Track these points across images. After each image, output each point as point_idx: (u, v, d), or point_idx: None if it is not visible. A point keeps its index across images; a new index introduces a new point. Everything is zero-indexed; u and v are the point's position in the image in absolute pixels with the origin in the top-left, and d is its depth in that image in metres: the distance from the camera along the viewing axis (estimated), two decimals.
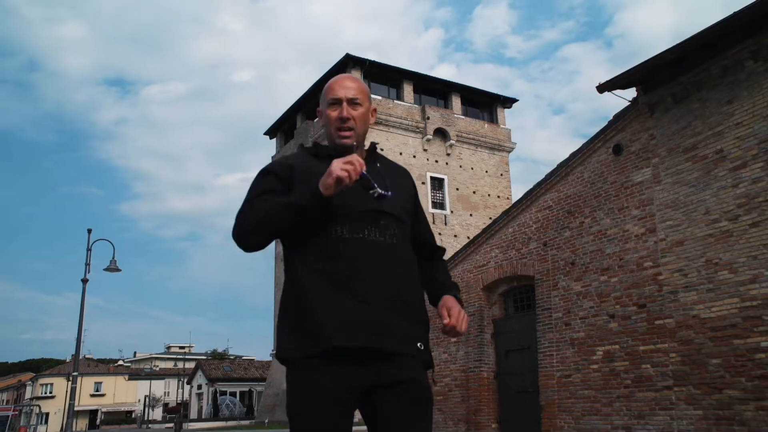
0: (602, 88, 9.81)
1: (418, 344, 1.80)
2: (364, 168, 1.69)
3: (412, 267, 1.90)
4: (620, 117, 10.28)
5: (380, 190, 1.76)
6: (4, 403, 72.85)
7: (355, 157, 1.68)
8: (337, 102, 1.91)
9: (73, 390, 14.04)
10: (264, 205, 1.76)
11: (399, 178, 1.99)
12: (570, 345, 10.63)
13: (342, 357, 1.68)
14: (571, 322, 10.68)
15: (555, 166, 11.46)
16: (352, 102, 1.92)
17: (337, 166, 1.66)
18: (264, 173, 1.90)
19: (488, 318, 12.88)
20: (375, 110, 2.03)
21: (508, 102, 35.52)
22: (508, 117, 35.85)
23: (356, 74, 30.42)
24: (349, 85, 1.95)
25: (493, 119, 34.96)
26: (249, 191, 1.86)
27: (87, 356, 69.31)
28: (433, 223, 30.71)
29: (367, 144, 1.98)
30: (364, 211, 1.81)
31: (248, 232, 1.77)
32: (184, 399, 55.01)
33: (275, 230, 1.77)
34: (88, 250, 15.04)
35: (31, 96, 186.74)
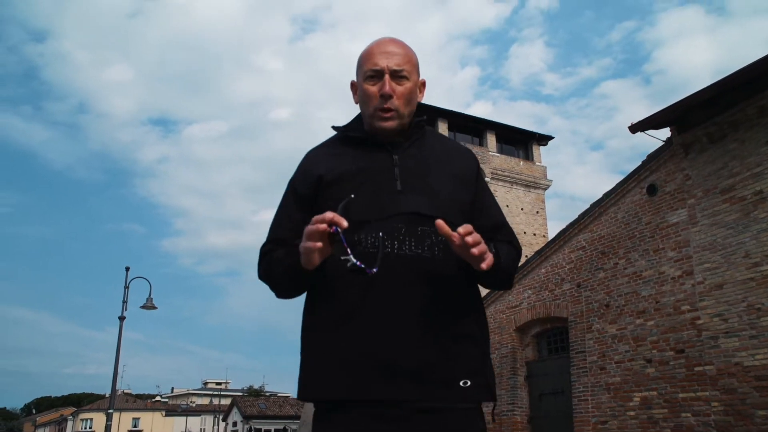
0: (635, 128, 9.71)
1: (461, 382, 1.40)
2: (343, 224, 1.30)
3: (462, 284, 1.49)
4: (654, 157, 10.13)
5: (355, 260, 1.34)
6: None
7: (321, 219, 1.31)
8: (377, 74, 1.51)
9: (108, 427, 14.20)
10: (271, 266, 1.53)
11: (449, 163, 1.58)
12: (606, 390, 10.30)
13: (354, 408, 1.37)
14: (606, 366, 10.37)
15: (593, 202, 11.31)
16: (397, 74, 1.52)
17: (303, 238, 1.35)
18: (287, 188, 1.62)
19: (521, 360, 12.61)
20: (424, 83, 1.63)
21: (543, 139, 35.41)
22: (544, 154, 35.68)
23: None
24: (394, 50, 1.53)
25: (528, 156, 34.85)
26: (273, 218, 1.62)
27: (126, 391, 70.17)
28: None
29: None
30: (395, 216, 1.44)
31: (273, 289, 1.57)
32: None
33: (296, 291, 1.54)
34: (126, 287, 15.39)
35: (80, 137, 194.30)
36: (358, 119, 1.64)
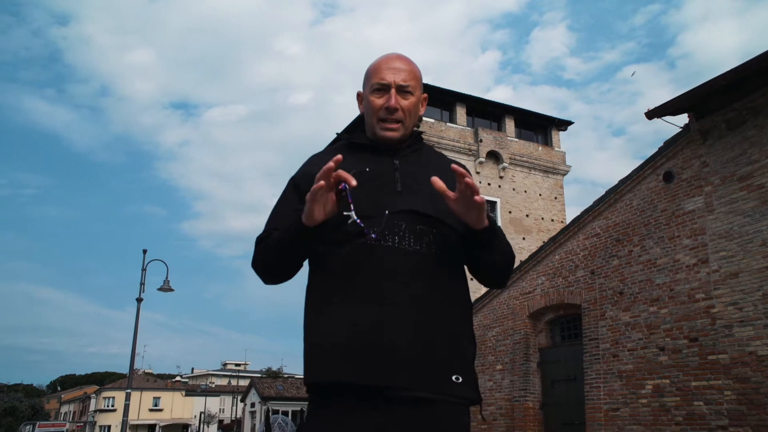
0: (651, 114, 9.56)
1: (454, 377, 1.45)
2: (351, 182, 1.35)
3: (456, 283, 1.54)
4: (671, 143, 9.98)
5: (356, 218, 1.40)
6: (71, 415, 75.71)
7: (330, 162, 1.35)
8: (383, 88, 1.59)
9: (126, 407, 14.50)
10: (266, 248, 1.55)
11: (446, 173, 1.59)
12: (618, 377, 10.27)
13: (348, 395, 1.40)
14: (619, 354, 10.33)
15: (608, 189, 11.18)
16: (403, 89, 1.59)
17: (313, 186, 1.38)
18: (288, 184, 1.67)
19: (534, 346, 12.61)
20: (426, 98, 1.71)
21: (563, 124, 34.99)
22: (563, 139, 35.31)
23: None
24: (401, 67, 1.61)
25: (547, 142, 34.50)
26: (272, 211, 1.65)
27: (146, 371, 71.48)
28: None
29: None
30: (394, 213, 1.49)
31: (262, 276, 1.60)
32: (238, 416, 55.83)
33: (286, 268, 1.55)
34: (143, 270, 15.61)
35: (102, 120, 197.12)
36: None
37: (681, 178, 9.75)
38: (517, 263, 23.64)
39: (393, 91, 1.58)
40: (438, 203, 1.53)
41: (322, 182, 1.35)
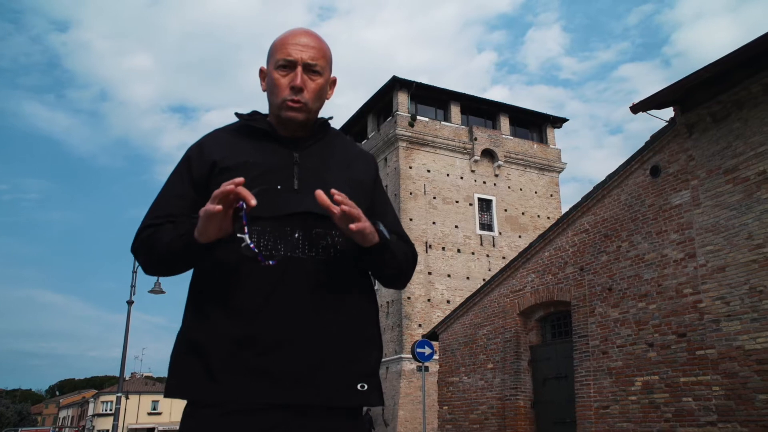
0: (636, 108, 9.49)
1: (359, 386, 1.40)
2: (250, 201, 1.24)
3: (358, 287, 1.46)
4: (657, 137, 9.92)
5: (250, 242, 1.26)
6: (70, 420, 75.63)
7: (230, 182, 1.24)
8: (290, 65, 1.47)
9: (118, 410, 14.44)
10: (153, 237, 1.42)
11: (349, 167, 1.54)
12: (608, 374, 10.20)
13: (247, 411, 1.32)
14: (608, 351, 10.26)
15: (596, 185, 11.12)
16: (310, 68, 1.47)
17: (209, 202, 1.26)
18: (183, 161, 1.53)
19: (525, 344, 12.54)
20: (335, 81, 1.58)
21: (557, 122, 34.92)
22: (559, 138, 35.27)
23: (403, 96, 30.47)
24: (309, 43, 1.49)
25: (542, 139, 34.43)
26: (162, 191, 1.51)
27: (146, 374, 71.34)
28: (481, 245, 30.29)
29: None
30: (287, 216, 1.39)
31: (144, 268, 1.48)
32: None
33: (172, 270, 1.43)
34: (134, 272, 15.53)
35: (102, 124, 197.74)
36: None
37: (668, 173, 9.69)
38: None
39: (299, 69, 1.46)
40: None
41: (218, 207, 1.23)
